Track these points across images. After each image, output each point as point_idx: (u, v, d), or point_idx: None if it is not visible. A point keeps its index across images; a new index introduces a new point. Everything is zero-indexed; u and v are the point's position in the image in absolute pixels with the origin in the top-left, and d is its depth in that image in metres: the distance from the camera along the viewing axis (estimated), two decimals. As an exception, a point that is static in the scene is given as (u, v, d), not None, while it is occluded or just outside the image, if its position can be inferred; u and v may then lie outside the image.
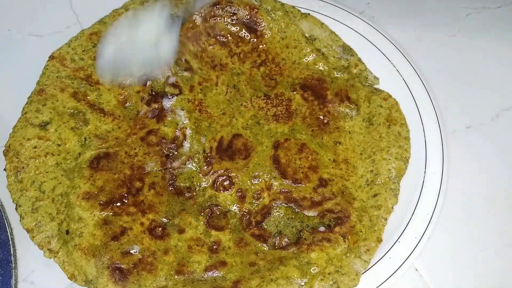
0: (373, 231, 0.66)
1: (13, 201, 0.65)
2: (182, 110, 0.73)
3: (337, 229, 0.65)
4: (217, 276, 0.62)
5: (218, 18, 0.79)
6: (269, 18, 0.79)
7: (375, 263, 0.65)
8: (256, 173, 0.70)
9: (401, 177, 0.71)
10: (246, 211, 0.69)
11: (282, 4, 0.81)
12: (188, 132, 0.72)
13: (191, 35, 0.78)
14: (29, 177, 0.66)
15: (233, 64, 0.80)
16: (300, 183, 0.69)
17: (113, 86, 0.74)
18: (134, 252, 0.62)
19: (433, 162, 0.71)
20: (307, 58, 0.79)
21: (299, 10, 0.82)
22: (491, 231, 0.71)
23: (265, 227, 0.68)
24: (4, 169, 0.67)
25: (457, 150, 0.76)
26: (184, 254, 0.64)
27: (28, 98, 0.71)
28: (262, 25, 0.79)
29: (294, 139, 0.73)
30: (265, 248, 0.66)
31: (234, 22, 0.79)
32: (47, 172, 0.67)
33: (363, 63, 0.80)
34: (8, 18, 0.91)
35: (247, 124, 0.75)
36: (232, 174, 0.70)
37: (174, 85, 0.75)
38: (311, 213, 0.67)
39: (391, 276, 0.64)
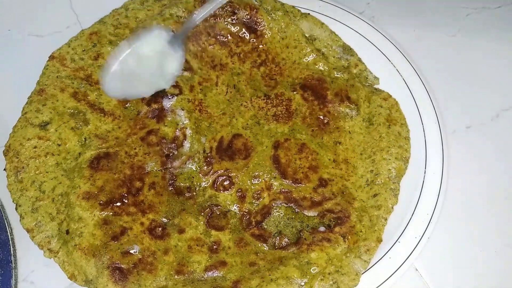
0: (373, 231, 0.66)
1: (13, 201, 0.65)
2: (182, 110, 0.73)
3: (337, 229, 0.65)
4: (217, 276, 0.63)
5: (218, 18, 0.79)
6: (269, 18, 0.79)
7: (375, 263, 0.65)
8: (256, 173, 0.70)
9: (401, 177, 0.71)
10: (246, 211, 0.69)
11: (282, 4, 0.81)
12: (188, 132, 0.72)
13: (191, 35, 0.78)
14: (29, 177, 0.66)
15: (233, 64, 0.80)
16: (300, 183, 0.69)
17: None
18: (134, 252, 0.62)
19: (433, 162, 0.71)
20: (307, 58, 0.79)
21: (299, 10, 0.82)
22: (491, 231, 0.71)
23: (265, 227, 0.68)
24: (4, 169, 0.67)
25: (457, 150, 0.76)
26: (184, 254, 0.64)
27: (28, 98, 0.71)
28: (262, 25, 0.79)
29: (294, 139, 0.73)
30: (265, 248, 0.66)
31: (234, 22, 0.79)
32: (47, 172, 0.67)
33: (363, 63, 0.81)
34: (8, 18, 0.91)
35: (247, 124, 0.75)
36: (232, 174, 0.70)
37: (174, 85, 0.75)
38: (311, 213, 0.67)
39: (391, 276, 0.64)
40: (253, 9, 0.78)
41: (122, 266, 0.61)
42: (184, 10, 0.79)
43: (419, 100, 0.76)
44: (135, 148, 0.70)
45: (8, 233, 0.69)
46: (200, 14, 0.71)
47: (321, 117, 0.75)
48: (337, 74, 0.79)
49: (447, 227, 0.71)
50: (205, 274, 0.63)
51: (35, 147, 0.68)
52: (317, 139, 0.74)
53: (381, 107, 0.76)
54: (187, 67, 0.77)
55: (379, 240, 0.66)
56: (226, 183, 0.70)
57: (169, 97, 0.74)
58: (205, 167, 0.71)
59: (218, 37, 0.79)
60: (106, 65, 0.70)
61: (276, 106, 0.76)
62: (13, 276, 0.66)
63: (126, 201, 0.65)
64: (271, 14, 0.79)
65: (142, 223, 0.65)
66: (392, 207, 0.69)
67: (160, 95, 0.74)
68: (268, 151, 0.72)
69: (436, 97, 0.77)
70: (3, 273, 0.65)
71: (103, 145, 0.70)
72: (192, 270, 0.63)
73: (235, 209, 0.69)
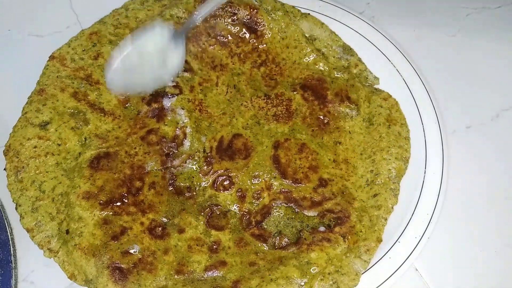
0: (373, 231, 0.66)
1: (13, 201, 0.65)
2: (182, 109, 0.73)
3: (337, 229, 0.65)
4: (217, 276, 0.62)
5: (219, 18, 0.79)
6: (269, 18, 0.79)
7: (375, 263, 0.65)
8: (256, 173, 0.70)
9: (401, 177, 0.71)
10: (246, 211, 0.69)
11: (282, 4, 0.81)
12: (188, 130, 0.72)
13: (192, 35, 0.78)
14: (29, 177, 0.66)
15: (233, 64, 0.80)
16: (300, 183, 0.69)
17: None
18: (134, 251, 0.62)
19: (433, 162, 0.71)
20: (307, 58, 0.79)
21: (299, 10, 0.82)
22: (491, 231, 0.71)
23: (265, 227, 0.68)
24: (4, 169, 0.67)
25: (457, 150, 0.76)
26: (184, 254, 0.64)
27: (28, 98, 0.71)
28: (262, 25, 0.79)
29: (294, 139, 0.73)
30: (265, 248, 0.66)
31: (234, 22, 0.79)
32: (47, 172, 0.67)
33: (363, 63, 0.81)
34: (8, 18, 0.91)
35: (247, 124, 0.75)
36: (232, 174, 0.70)
37: (175, 85, 0.75)
38: (311, 213, 0.67)
39: (391, 276, 0.64)
40: (253, 9, 0.78)
41: (122, 265, 0.61)
42: (184, 10, 0.79)
43: (419, 100, 0.76)
44: (135, 148, 0.70)
45: (8, 233, 0.69)
46: (202, 12, 0.71)
47: (321, 117, 0.75)
48: (337, 74, 0.79)
49: (447, 227, 0.71)
50: (205, 274, 0.63)
51: (35, 147, 0.68)
52: (317, 139, 0.74)
53: (381, 107, 0.76)
54: (187, 67, 0.77)
55: (379, 240, 0.66)
56: (226, 183, 0.70)
57: (169, 96, 0.74)
58: (205, 167, 0.71)
59: (219, 37, 0.79)
60: (109, 61, 0.70)
61: (276, 106, 0.76)
62: (13, 276, 0.66)
63: (126, 200, 0.65)
64: (271, 14, 0.79)
65: (142, 223, 0.65)
66: (392, 207, 0.69)
67: (160, 94, 0.74)
68: (268, 151, 0.72)
69: (436, 97, 0.77)
70: (3, 273, 0.65)
71: (103, 144, 0.70)
72: (192, 270, 0.63)
73: (235, 209, 0.69)
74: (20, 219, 0.64)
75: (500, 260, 0.69)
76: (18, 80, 0.78)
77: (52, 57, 0.75)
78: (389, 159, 0.71)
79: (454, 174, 0.73)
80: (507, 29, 0.88)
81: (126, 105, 0.74)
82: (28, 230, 0.64)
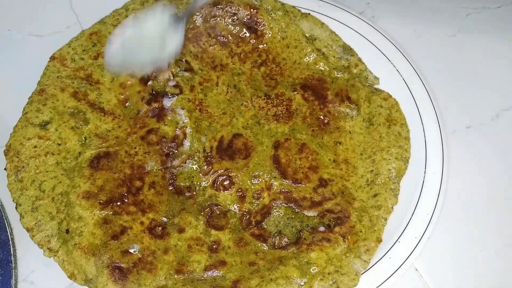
0: (373, 231, 0.66)
1: (13, 200, 0.65)
2: (183, 109, 0.73)
3: (337, 229, 0.65)
4: (217, 276, 0.62)
5: (219, 18, 0.79)
6: (270, 18, 0.79)
7: (375, 263, 0.65)
8: (256, 173, 0.70)
9: (401, 177, 0.71)
10: (246, 210, 0.69)
11: (282, 4, 0.81)
12: (188, 130, 0.72)
13: (192, 36, 0.78)
14: (29, 176, 0.66)
15: (233, 64, 0.80)
16: (300, 183, 0.69)
17: (113, 85, 0.75)
18: (134, 251, 0.62)
19: (433, 162, 0.71)
20: (307, 58, 0.79)
21: (299, 10, 0.82)
22: (491, 231, 0.71)
23: (265, 227, 0.68)
24: (5, 169, 0.67)
25: (457, 150, 0.76)
26: (184, 254, 0.64)
27: (29, 98, 0.71)
28: (263, 25, 0.79)
29: (295, 139, 0.73)
30: (265, 248, 0.66)
31: (234, 22, 0.79)
32: (47, 171, 0.67)
33: (363, 63, 0.81)
34: (8, 18, 0.91)
35: (248, 123, 0.75)
36: (232, 173, 0.70)
37: (175, 85, 0.75)
38: (311, 213, 0.67)
39: (391, 276, 0.64)
40: (253, 9, 0.78)
41: (122, 265, 0.61)
42: (184, 11, 0.79)
43: (419, 100, 0.76)
44: (135, 147, 0.70)
45: (8, 233, 0.69)
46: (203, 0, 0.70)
47: (322, 117, 0.75)
48: (338, 74, 0.79)
49: (447, 227, 0.71)
50: (205, 274, 0.63)
51: (35, 146, 0.68)
52: (317, 139, 0.74)
53: (381, 107, 0.76)
54: (187, 67, 0.77)
55: (379, 240, 0.66)
56: (226, 182, 0.70)
57: (170, 96, 0.74)
58: (205, 166, 0.71)
59: (219, 37, 0.79)
60: (110, 39, 0.69)
61: (276, 106, 0.76)
62: (13, 276, 0.66)
63: (126, 200, 0.66)
64: (271, 14, 0.80)
65: (142, 223, 0.65)
66: (392, 207, 0.68)
67: (160, 94, 0.74)
68: (268, 151, 0.72)
69: (436, 97, 0.77)
70: (3, 273, 0.65)
71: (103, 144, 0.70)
72: (191, 269, 0.63)
73: (235, 208, 0.69)
74: (20, 219, 0.64)
75: (500, 260, 0.69)
76: (18, 80, 0.78)
77: (52, 58, 0.75)
78: (389, 159, 0.71)
79: (454, 174, 0.73)
80: (507, 29, 0.88)
81: (126, 105, 0.74)
82: (28, 230, 0.64)
